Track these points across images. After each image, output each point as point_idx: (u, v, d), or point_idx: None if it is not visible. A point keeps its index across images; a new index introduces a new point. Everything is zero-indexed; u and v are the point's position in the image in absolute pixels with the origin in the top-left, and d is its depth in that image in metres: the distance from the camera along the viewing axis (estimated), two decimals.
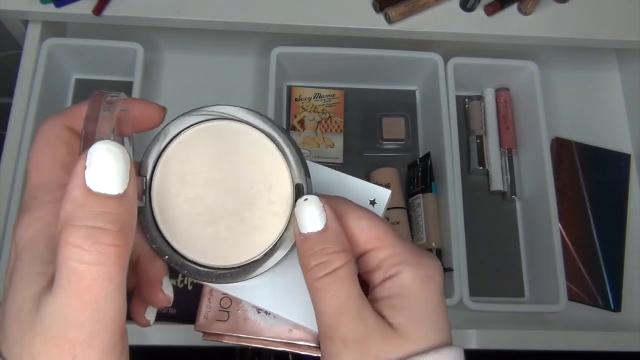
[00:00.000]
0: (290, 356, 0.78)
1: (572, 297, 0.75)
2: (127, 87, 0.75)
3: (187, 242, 0.28)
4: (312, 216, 0.26)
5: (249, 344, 0.33)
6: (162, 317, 0.67)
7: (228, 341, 0.34)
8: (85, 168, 0.21)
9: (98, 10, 0.70)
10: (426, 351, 0.25)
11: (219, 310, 0.33)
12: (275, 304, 0.31)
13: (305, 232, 0.26)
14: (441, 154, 0.73)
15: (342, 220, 0.27)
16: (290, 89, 0.82)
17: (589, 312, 0.76)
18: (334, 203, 0.27)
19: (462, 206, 0.70)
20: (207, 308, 0.33)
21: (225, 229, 0.28)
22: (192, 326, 0.70)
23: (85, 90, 0.80)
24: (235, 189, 0.28)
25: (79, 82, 0.81)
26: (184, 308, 0.68)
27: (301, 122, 0.79)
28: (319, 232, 0.25)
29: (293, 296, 0.30)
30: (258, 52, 0.83)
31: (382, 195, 0.32)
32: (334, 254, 0.25)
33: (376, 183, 0.80)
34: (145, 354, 0.67)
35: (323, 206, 0.26)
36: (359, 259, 0.28)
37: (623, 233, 0.80)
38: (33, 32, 0.74)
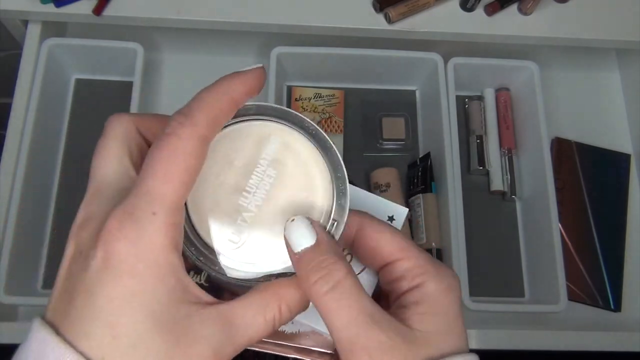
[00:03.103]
0: None
1: (572, 297, 0.75)
2: (127, 87, 0.74)
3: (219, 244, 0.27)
4: (303, 233, 0.26)
5: (259, 349, 0.33)
6: None
7: None
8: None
9: (98, 10, 0.70)
10: (449, 355, 0.26)
11: None
12: None
13: (299, 250, 0.26)
14: (441, 154, 0.73)
15: (366, 232, 0.28)
16: (290, 89, 0.81)
17: (589, 312, 0.76)
18: (358, 216, 0.28)
19: (462, 206, 0.70)
20: None
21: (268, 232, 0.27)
22: None
23: (85, 91, 0.80)
24: (279, 198, 0.28)
25: (79, 82, 0.81)
26: None
27: None
28: (312, 246, 0.26)
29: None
30: (258, 52, 0.83)
31: (400, 212, 0.34)
32: (333, 264, 0.25)
33: (376, 183, 0.81)
34: None
35: (311, 222, 0.26)
36: (381, 269, 0.29)
37: (623, 233, 0.80)
38: (33, 32, 0.74)
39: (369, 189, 0.76)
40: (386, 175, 0.75)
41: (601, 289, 0.77)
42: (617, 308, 0.76)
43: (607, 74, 0.89)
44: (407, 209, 0.34)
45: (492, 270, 0.76)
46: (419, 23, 0.74)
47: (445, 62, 0.77)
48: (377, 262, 0.28)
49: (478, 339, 0.67)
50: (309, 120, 0.29)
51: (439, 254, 0.71)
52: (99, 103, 0.80)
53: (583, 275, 0.77)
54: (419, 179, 0.75)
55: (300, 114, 0.29)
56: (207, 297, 0.24)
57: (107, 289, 0.22)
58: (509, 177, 0.79)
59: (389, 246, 0.28)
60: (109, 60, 0.78)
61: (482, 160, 0.79)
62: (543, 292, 0.72)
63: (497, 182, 0.79)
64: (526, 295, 0.76)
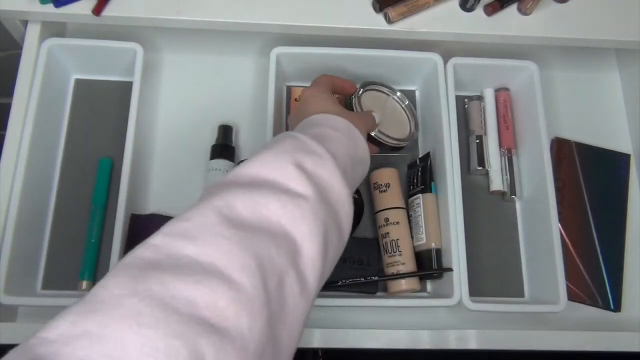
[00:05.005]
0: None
1: (572, 297, 0.75)
2: (127, 87, 0.75)
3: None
4: None
5: None
6: None
7: None
8: None
9: (98, 10, 0.70)
10: None
11: None
12: None
13: None
14: (441, 154, 0.73)
15: None
16: (290, 89, 0.82)
17: (588, 312, 0.76)
18: None
19: (462, 206, 0.70)
20: None
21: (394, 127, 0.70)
22: None
23: (85, 91, 0.80)
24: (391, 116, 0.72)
25: (79, 82, 0.81)
26: None
27: None
28: None
29: None
30: (258, 52, 0.83)
31: None
32: None
33: (376, 183, 0.80)
34: None
35: None
36: None
37: (623, 233, 0.80)
38: (33, 32, 0.74)
39: (369, 189, 0.76)
40: (386, 175, 0.75)
41: (601, 289, 0.77)
42: (617, 308, 0.76)
43: (607, 74, 0.89)
44: None
45: (492, 270, 0.76)
46: (419, 23, 0.74)
47: (445, 62, 0.77)
48: None
49: (478, 339, 0.67)
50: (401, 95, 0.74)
51: (438, 254, 0.71)
52: (98, 103, 0.80)
53: (583, 275, 0.77)
54: (418, 179, 0.75)
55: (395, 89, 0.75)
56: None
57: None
58: (508, 177, 0.79)
59: None
60: (108, 60, 0.78)
61: (482, 161, 0.79)
62: (543, 292, 0.72)
63: (497, 182, 0.79)
64: (526, 295, 0.76)
